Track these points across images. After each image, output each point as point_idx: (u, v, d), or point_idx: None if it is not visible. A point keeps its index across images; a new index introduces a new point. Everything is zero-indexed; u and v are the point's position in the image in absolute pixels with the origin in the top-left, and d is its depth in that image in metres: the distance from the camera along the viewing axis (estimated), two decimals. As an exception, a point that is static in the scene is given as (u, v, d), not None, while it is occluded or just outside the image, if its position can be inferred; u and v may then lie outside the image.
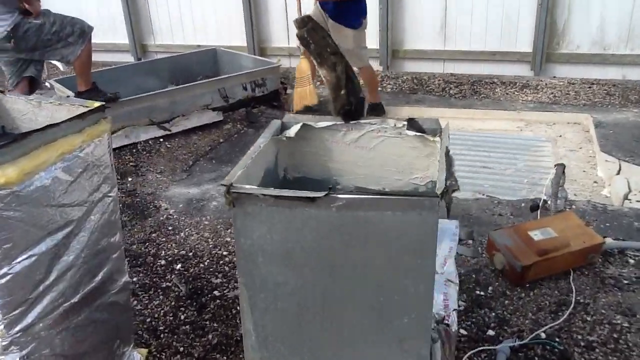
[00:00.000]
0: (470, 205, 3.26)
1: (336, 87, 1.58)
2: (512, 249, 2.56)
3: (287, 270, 1.39)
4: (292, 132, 1.66)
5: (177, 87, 4.51)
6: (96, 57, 7.42)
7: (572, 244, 2.58)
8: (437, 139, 1.62)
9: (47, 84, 5.05)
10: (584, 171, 3.85)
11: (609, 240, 2.74)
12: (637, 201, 3.25)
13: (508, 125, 4.66)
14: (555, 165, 2.98)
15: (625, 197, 3.29)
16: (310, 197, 1.27)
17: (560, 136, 4.41)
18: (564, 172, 3.01)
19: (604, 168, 3.74)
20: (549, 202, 3.11)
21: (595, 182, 3.69)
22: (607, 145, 3.96)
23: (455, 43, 6.15)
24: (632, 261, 2.67)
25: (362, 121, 1.66)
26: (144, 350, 2.22)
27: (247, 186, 1.36)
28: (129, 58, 7.21)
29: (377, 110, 4.76)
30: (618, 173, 3.60)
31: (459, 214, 3.14)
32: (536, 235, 2.61)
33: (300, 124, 1.67)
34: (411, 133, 1.62)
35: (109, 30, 7.27)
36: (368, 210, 1.30)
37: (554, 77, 5.62)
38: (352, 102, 1.60)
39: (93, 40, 4.04)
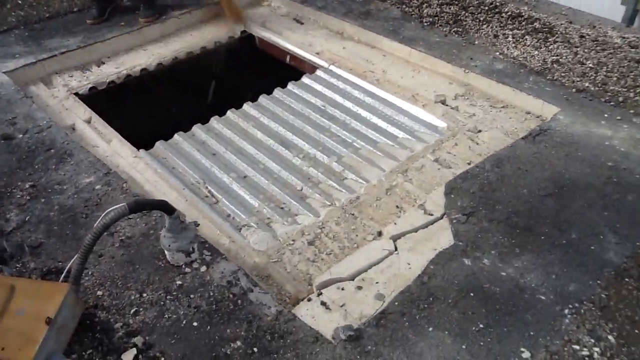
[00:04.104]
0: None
1: None
2: None
3: None
4: None
5: None
6: None
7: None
8: None
9: None
10: (399, 207, 2.28)
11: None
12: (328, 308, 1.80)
13: (430, 90, 2.94)
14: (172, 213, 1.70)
15: (319, 293, 1.84)
16: None
17: (480, 131, 2.66)
18: (180, 219, 1.72)
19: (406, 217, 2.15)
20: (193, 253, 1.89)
21: (380, 232, 2.16)
22: (478, 179, 2.26)
23: None
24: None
25: None
26: None
27: None
28: None
29: None
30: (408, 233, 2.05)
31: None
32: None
33: None
34: None
35: None
36: None
37: (630, 25, 3.36)
38: None
39: None
